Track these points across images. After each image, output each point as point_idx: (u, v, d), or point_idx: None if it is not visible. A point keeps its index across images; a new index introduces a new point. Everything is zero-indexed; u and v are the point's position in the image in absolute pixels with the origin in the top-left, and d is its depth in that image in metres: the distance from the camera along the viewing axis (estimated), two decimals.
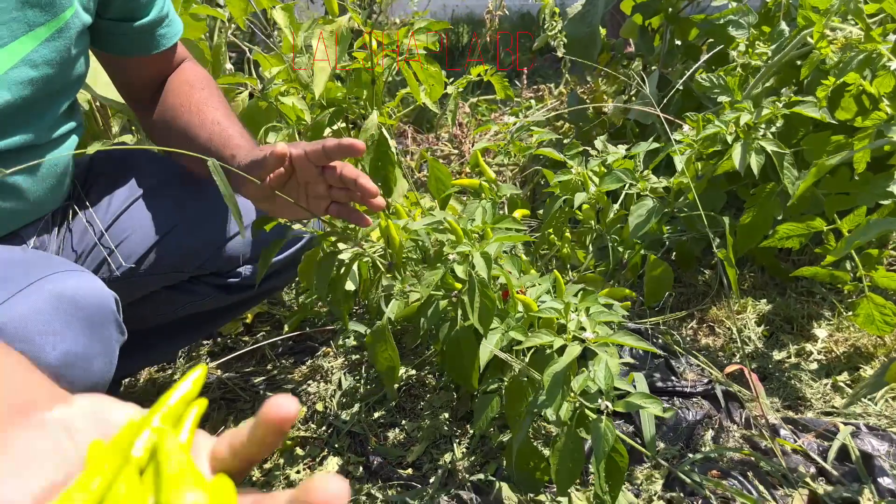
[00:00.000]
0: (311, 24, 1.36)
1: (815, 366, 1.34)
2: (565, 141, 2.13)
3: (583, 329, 0.90)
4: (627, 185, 1.24)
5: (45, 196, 1.00)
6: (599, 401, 0.88)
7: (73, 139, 1.03)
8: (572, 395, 0.89)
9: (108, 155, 1.18)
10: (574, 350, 0.88)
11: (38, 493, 0.31)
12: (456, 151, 2.23)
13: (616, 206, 1.32)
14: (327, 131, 1.46)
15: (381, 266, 1.14)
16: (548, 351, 0.94)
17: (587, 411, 0.89)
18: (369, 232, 1.12)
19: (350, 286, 1.15)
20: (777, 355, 1.38)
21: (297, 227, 1.11)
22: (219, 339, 1.60)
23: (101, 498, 0.30)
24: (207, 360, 1.54)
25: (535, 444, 1.09)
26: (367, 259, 1.11)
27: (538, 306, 0.96)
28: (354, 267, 1.16)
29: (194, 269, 1.17)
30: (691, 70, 1.57)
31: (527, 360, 0.97)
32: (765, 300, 1.52)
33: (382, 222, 1.05)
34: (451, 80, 1.50)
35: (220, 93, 1.16)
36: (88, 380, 0.82)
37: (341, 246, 1.09)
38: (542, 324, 0.97)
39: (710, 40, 1.74)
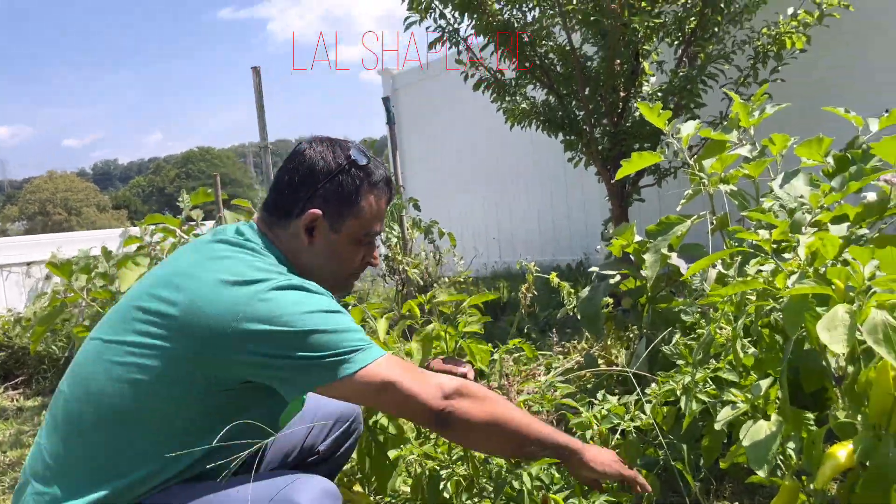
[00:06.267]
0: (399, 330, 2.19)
1: None
2: (588, 386, 2.84)
3: None
4: (619, 424, 1.92)
5: None
6: None
7: None
8: None
9: None
10: None
11: None
12: (504, 396, 2.94)
13: (616, 437, 1.98)
14: None
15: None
16: None
17: None
18: None
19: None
20: None
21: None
22: None
23: None
24: None
25: None
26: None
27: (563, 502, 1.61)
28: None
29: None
30: (659, 337, 2.31)
31: None
32: (737, 503, 2.10)
33: None
34: (495, 349, 2.28)
35: None
36: None
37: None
38: None
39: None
